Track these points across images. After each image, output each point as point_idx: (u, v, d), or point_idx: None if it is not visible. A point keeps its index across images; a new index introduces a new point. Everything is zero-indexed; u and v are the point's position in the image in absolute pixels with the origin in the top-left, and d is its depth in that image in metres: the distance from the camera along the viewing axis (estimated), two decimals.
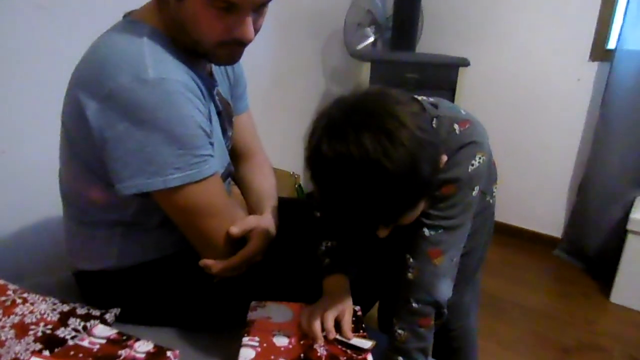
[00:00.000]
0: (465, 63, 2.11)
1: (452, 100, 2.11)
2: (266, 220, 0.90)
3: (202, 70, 0.85)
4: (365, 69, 2.09)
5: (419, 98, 0.86)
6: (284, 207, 1.01)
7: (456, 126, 0.83)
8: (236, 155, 1.05)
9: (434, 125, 0.82)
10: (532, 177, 2.35)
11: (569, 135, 2.24)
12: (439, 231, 0.83)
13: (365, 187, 0.66)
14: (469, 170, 0.82)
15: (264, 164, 1.09)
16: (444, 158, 0.77)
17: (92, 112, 0.73)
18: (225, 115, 0.95)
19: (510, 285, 2.04)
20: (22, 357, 0.72)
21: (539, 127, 2.31)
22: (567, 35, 2.15)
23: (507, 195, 0.99)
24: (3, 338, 0.77)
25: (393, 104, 0.69)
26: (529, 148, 2.34)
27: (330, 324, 0.82)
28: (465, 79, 2.13)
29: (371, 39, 2.35)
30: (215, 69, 0.94)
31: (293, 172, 2.13)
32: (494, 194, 1.02)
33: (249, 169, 1.06)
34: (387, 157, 0.64)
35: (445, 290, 0.84)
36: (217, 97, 0.91)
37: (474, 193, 0.84)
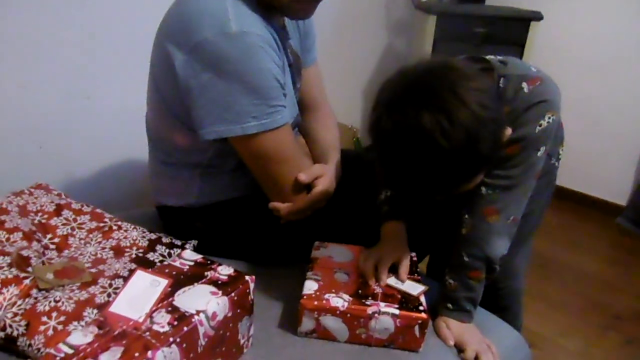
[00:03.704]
0: (537, 17, 2.00)
1: (521, 57, 2.03)
2: (331, 169, 0.96)
3: (276, 23, 0.90)
4: (431, 23, 2.04)
5: (487, 58, 0.86)
6: (344, 159, 1.06)
7: (524, 84, 0.81)
8: (303, 106, 1.11)
9: (500, 84, 0.82)
10: (600, 141, 2.25)
11: None
12: (496, 190, 0.84)
13: (422, 164, 0.69)
14: (536, 130, 0.81)
15: (328, 117, 1.14)
16: (508, 131, 0.76)
17: (179, 63, 0.80)
18: (295, 68, 1.00)
19: (564, 248, 2.02)
20: (121, 273, 0.85)
21: (611, 88, 2.18)
22: None
23: (571, 158, 0.98)
24: (104, 257, 0.90)
25: (456, 80, 0.68)
26: (599, 110, 2.22)
27: (383, 269, 0.87)
28: (537, 35, 2.03)
29: None
30: (287, 22, 0.98)
31: (352, 125, 2.17)
32: (559, 156, 1.01)
33: (315, 121, 1.11)
34: (444, 136, 0.65)
35: (498, 247, 0.86)
36: (288, 50, 0.95)
37: (539, 154, 0.83)
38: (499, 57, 0.87)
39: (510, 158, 0.83)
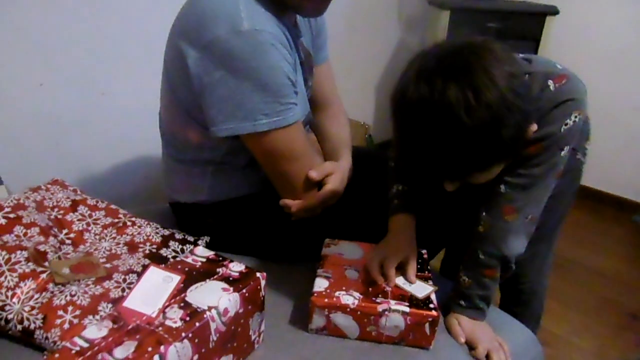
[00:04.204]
0: (553, 11, 1.97)
1: (535, 52, 2.00)
2: (342, 167, 0.96)
3: (288, 21, 0.90)
4: (444, 18, 2.02)
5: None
6: (355, 156, 1.06)
7: (550, 82, 0.79)
8: (314, 103, 1.11)
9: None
10: (617, 137, 2.21)
11: None
12: (516, 189, 0.82)
13: (439, 138, 0.67)
14: (562, 129, 0.78)
15: (340, 114, 1.14)
16: (534, 127, 0.74)
17: (192, 60, 0.81)
18: (307, 65, 1.00)
19: (580, 246, 1.99)
20: (134, 269, 0.86)
21: (629, 83, 2.14)
22: None
23: (588, 155, 0.96)
24: (119, 252, 0.92)
25: (491, 60, 0.66)
26: (616, 106, 2.18)
27: (390, 270, 0.86)
28: (552, 30, 2.00)
29: None
30: (299, 19, 0.98)
31: (364, 122, 2.16)
32: (585, 151, 0.98)
33: (326, 118, 1.12)
34: (468, 112, 0.64)
35: (515, 246, 0.85)
36: (300, 48, 0.95)
37: (563, 153, 0.81)
38: (522, 55, 0.85)
39: (533, 157, 0.81)
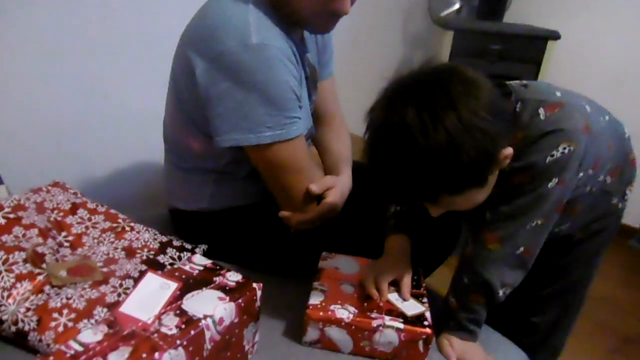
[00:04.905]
0: (555, 36, 2.00)
1: (537, 75, 2.03)
2: (342, 181, 0.97)
3: (296, 36, 0.92)
4: (448, 38, 2.05)
5: (507, 82, 0.83)
6: (355, 171, 1.07)
7: (542, 110, 0.77)
8: (317, 118, 1.12)
9: (517, 108, 0.79)
10: None
11: None
12: (500, 217, 0.81)
13: (400, 160, 0.68)
14: (546, 160, 0.76)
15: (342, 129, 1.15)
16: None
17: (200, 71, 0.82)
18: (311, 80, 1.01)
19: None
20: (131, 274, 0.87)
21: (628, 108, 2.16)
22: None
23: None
24: (116, 257, 0.92)
25: (454, 84, 0.67)
26: None
27: (383, 285, 0.86)
28: (554, 54, 2.03)
29: (457, 6, 2.28)
30: (306, 34, 0.99)
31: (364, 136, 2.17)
32: (625, 197, 0.94)
33: (328, 133, 1.13)
34: (423, 135, 0.64)
35: (499, 276, 0.83)
36: (306, 63, 0.97)
37: (551, 185, 0.78)
38: (523, 82, 0.85)
39: (517, 186, 0.79)
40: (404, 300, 0.86)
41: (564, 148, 0.76)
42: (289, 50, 0.83)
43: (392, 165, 0.70)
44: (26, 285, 0.78)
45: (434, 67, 0.73)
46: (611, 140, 0.89)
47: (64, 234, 0.94)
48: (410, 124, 0.65)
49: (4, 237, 0.85)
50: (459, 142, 0.64)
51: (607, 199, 0.92)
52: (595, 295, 1.83)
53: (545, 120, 0.77)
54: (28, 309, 0.76)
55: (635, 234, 2.22)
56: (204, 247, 1.01)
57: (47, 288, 0.80)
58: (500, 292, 0.84)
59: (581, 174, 0.83)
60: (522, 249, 0.82)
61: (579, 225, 0.95)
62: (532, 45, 2.04)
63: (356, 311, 0.82)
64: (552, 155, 0.76)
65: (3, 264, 0.79)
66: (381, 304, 0.85)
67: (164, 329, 0.63)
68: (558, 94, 0.83)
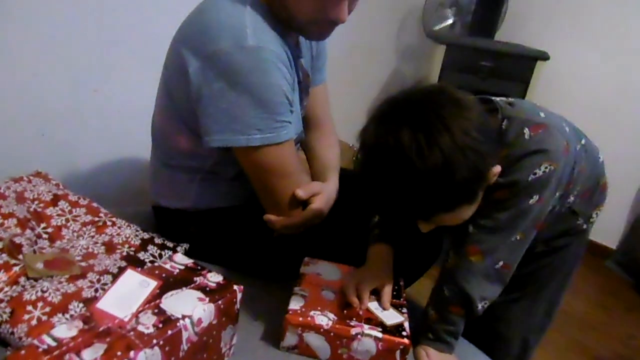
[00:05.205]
0: (544, 56, 2.05)
1: (524, 94, 2.06)
2: (328, 188, 0.98)
3: (291, 41, 0.92)
4: (439, 52, 2.07)
5: (494, 99, 0.85)
6: (342, 178, 1.07)
7: (526, 130, 0.79)
8: (307, 123, 1.12)
9: (503, 126, 0.81)
10: None
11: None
12: (482, 230, 0.83)
13: (395, 181, 0.69)
14: (529, 178, 0.79)
15: (331, 135, 1.16)
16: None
17: (193, 69, 0.82)
18: (304, 85, 1.01)
19: None
20: (110, 270, 0.85)
21: (608, 133, 2.21)
22: None
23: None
24: (96, 252, 0.90)
25: (446, 105, 0.69)
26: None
27: (364, 293, 0.86)
28: (542, 74, 2.07)
29: (450, 21, 2.31)
30: (301, 39, 1.00)
31: (352, 145, 2.19)
32: (591, 219, 0.96)
33: (317, 139, 1.13)
34: (419, 156, 0.66)
35: (479, 289, 0.84)
36: (299, 68, 0.97)
37: (532, 201, 0.80)
38: (510, 99, 0.87)
39: (499, 202, 0.81)
40: (384, 309, 0.87)
41: (546, 167, 0.78)
42: (283, 54, 0.84)
43: (388, 185, 0.71)
44: (1, 276, 0.77)
45: (423, 87, 0.75)
46: (585, 163, 0.92)
47: (43, 225, 0.93)
48: (405, 145, 0.66)
49: None
50: (453, 162, 0.66)
51: (573, 218, 0.95)
52: (573, 314, 1.87)
53: (530, 140, 0.80)
54: (1, 300, 0.74)
55: (612, 254, 2.26)
56: (185, 246, 1.00)
57: (22, 280, 0.78)
58: (479, 306, 0.86)
59: (558, 193, 0.85)
60: (501, 263, 0.84)
61: (541, 238, 0.97)
62: (522, 65, 2.08)
63: (336, 318, 0.82)
64: (535, 174, 0.79)
65: None
66: (361, 312, 0.85)
67: (140, 328, 0.62)
68: (542, 114, 0.85)
